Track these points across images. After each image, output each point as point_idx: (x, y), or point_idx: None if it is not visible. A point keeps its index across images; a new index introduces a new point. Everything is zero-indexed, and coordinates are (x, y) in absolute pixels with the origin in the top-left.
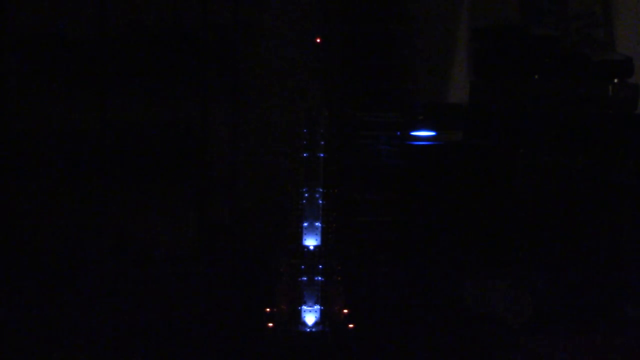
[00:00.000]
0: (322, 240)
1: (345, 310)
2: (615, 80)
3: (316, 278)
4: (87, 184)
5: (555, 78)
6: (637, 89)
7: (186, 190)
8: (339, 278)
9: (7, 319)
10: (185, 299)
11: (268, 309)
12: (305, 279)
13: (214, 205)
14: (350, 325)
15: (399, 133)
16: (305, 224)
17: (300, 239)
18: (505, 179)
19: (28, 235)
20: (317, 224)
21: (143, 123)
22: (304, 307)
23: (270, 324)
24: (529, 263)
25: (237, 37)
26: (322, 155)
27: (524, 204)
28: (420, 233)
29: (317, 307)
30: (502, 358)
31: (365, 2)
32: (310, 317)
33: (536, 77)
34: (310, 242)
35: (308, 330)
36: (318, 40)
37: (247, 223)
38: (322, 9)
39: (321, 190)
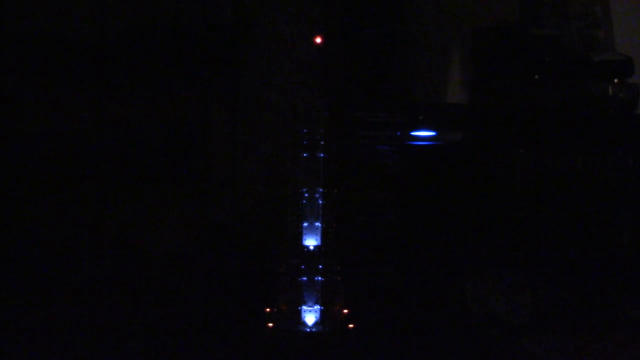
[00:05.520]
0: (322, 240)
1: (345, 310)
2: (615, 80)
3: (316, 278)
4: (86, 184)
5: (555, 78)
6: (637, 89)
7: (186, 190)
8: (339, 278)
9: (7, 319)
10: (185, 299)
11: (268, 309)
12: (305, 279)
13: (214, 205)
14: (350, 325)
15: (399, 133)
16: (305, 224)
17: (300, 239)
18: (505, 179)
19: (27, 235)
20: (317, 224)
21: (143, 123)
22: (304, 307)
23: (270, 324)
24: (529, 263)
25: (237, 37)
26: (322, 155)
27: (524, 203)
28: (421, 233)
29: (317, 307)
30: (502, 358)
31: (365, 2)
32: (310, 317)
33: (536, 77)
34: (310, 242)
35: (308, 330)
36: (318, 40)
37: (247, 223)
38: (322, 9)
39: (321, 190)
